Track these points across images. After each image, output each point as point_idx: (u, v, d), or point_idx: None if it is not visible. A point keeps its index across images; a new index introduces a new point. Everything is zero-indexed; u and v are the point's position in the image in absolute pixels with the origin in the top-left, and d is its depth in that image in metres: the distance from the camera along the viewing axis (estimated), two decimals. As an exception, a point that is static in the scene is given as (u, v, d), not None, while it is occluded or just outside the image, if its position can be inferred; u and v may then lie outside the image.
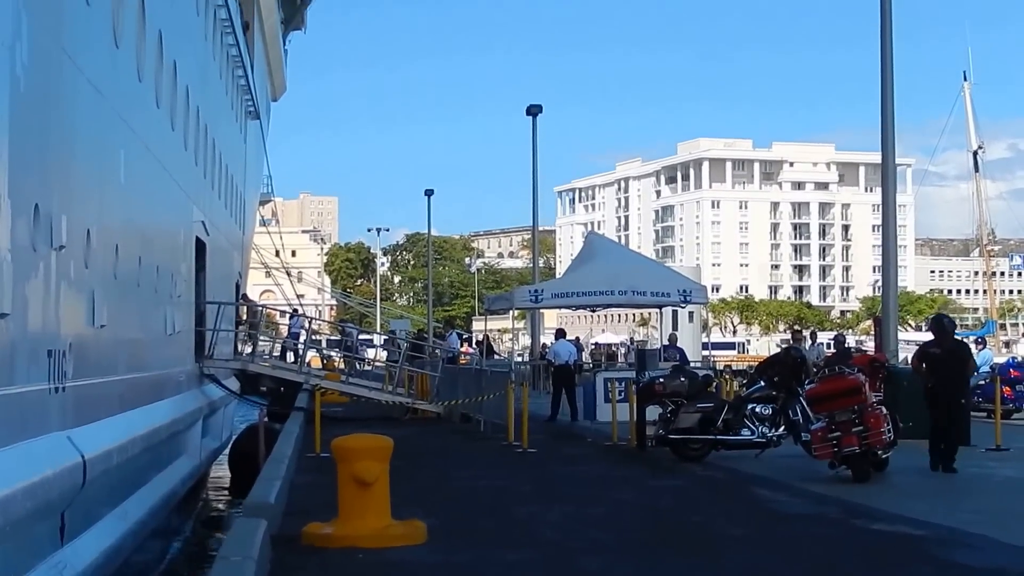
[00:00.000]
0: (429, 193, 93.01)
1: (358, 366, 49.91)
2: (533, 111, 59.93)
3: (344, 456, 12.67)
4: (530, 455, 26.02)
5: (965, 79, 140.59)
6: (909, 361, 42.55)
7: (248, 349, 42.57)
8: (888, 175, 32.51)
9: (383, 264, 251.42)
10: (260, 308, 50.93)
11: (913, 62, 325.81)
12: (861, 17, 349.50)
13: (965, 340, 27.00)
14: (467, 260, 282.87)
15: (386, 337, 68.61)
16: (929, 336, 23.24)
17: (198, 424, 34.95)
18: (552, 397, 37.68)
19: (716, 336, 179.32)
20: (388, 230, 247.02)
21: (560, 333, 41.72)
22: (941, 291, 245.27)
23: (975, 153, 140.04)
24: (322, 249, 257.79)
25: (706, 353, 55.17)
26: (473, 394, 33.62)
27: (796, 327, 42.37)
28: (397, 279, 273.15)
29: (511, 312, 40.10)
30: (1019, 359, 66.96)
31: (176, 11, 29.95)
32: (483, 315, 48.05)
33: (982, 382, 36.86)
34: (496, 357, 62.39)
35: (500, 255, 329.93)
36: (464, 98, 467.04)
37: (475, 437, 31.02)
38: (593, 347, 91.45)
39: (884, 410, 20.64)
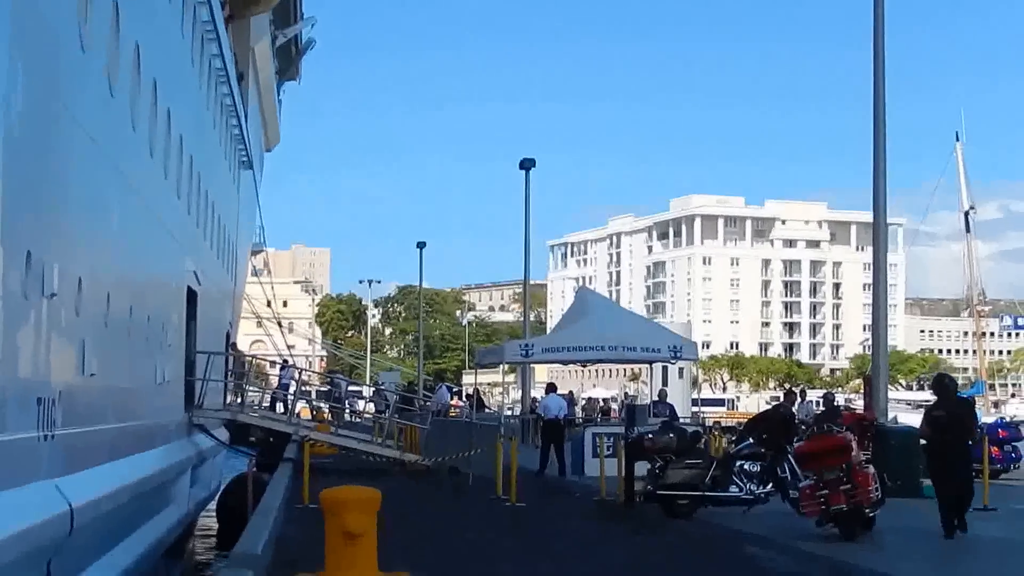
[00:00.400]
0: (421, 246, 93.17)
1: (348, 417, 49.77)
2: (526, 165, 59.99)
3: (332, 508, 12.62)
4: (518, 509, 25.96)
5: (957, 139, 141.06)
6: (898, 420, 42.48)
7: (238, 399, 42.44)
8: (879, 235, 32.62)
9: (374, 316, 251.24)
10: (249, 358, 50.86)
11: (906, 121, 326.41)
12: (856, 76, 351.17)
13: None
14: (458, 313, 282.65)
15: (374, 389, 68.39)
16: (927, 395, 23.35)
17: (187, 474, 34.86)
18: (541, 451, 37.59)
19: (706, 392, 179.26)
20: (380, 282, 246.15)
21: (551, 387, 41.70)
22: (931, 351, 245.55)
23: (967, 214, 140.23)
24: (313, 300, 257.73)
25: (695, 409, 55.19)
26: (462, 447, 33.59)
27: (791, 388, 42.37)
28: (388, 331, 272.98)
29: (501, 366, 40.07)
30: (1007, 419, 66.85)
31: (171, 61, 30.03)
32: (473, 368, 48.02)
33: (970, 443, 36.85)
34: (486, 411, 62.34)
35: (491, 308, 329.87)
36: (457, 150, 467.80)
37: (463, 490, 30.93)
38: (585, 401, 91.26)
39: (872, 469, 20.69)
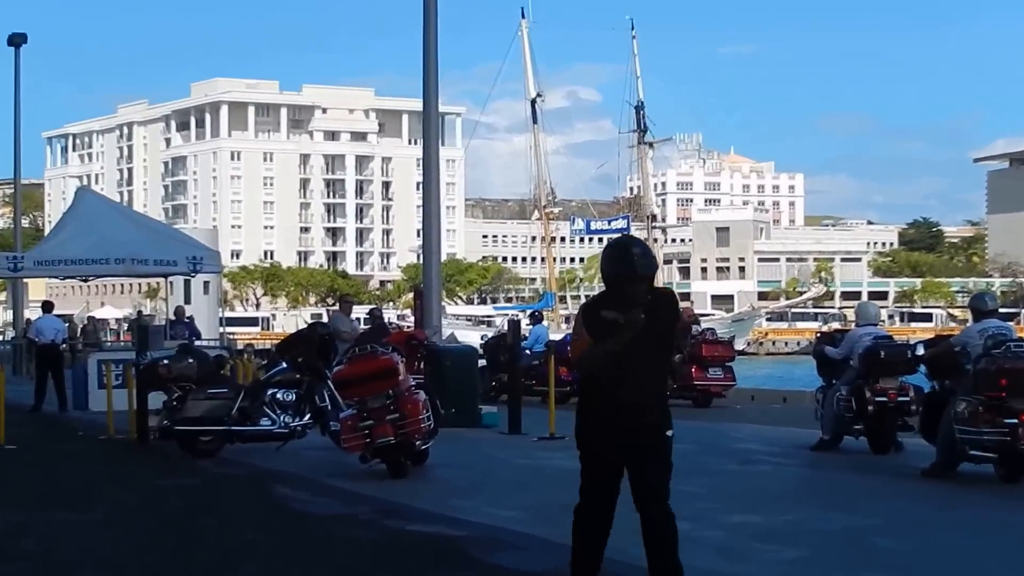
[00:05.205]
0: None
1: None
2: (16, 41, 58.67)
3: None
4: (8, 453, 25.52)
5: (523, 17, 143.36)
6: (457, 338, 43.25)
7: None
8: (430, 124, 33.06)
9: None
10: None
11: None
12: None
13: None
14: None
15: None
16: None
17: None
18: (36, 383, 36.94)
19: (238, 310, 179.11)
20: None
21: (47, 306, 40.88)
22: (495, 258, 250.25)
23: (533, 102, 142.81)
24: None
25: (223, 330, 55.04)
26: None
27: (347, 295, 42.66)
28: None
29: (-12, 282, 39.22)
30: None
31: None
32: (-47, 286, 46.95)
33: (536, 362, 37.90)
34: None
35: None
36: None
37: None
38: (86, 322, 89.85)
39: (423, 395, 20.93)
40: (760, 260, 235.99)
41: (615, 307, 11.39)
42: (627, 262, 11.45)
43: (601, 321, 11.49)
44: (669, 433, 11.46)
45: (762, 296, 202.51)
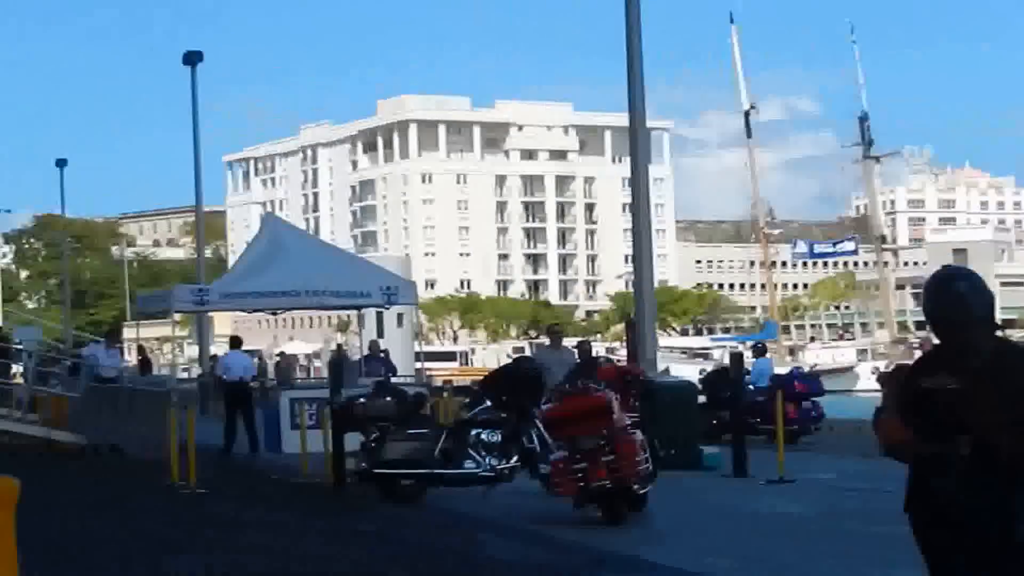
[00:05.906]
0: (62, 164, 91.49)
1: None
2: (192, 59, 59.59)
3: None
4: (199, 497, 25.82)
5: (732, 22, 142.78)
6: (671, 372, 43.17)
7: None
8: (638, 140, 32.96)
9: (4, 255, 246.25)
10: None
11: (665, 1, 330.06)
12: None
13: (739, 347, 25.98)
14: (114, 249, 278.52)
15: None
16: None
17: None
18: (226, 423, 37.43)
19: (434, 344, 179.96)
20: (10, 211, 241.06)
21: (235, 342, 41.44)
22: (711, 285, 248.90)
23: (747, 114, 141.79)
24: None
25: (420, 365, 55.54)
26: (125, 420, 33.32)
27: (555, 325, 42.69)
28: (24, 274, 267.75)
29: (172, 316, 39.83)
30: (806, 369, 67.26)
31: None
32: (136, 320, 47.68)
33: (760, 398, 37.59)
34: (155, 373, 61.80)
35: (157, 243, 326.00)
36: (104, 48, 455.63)
37: (129, 475, 30.63)
38: (278, 358, 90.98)
39: (640, 435, 20.91)
40: (1003, 284, 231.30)
41: (945, 366, 8.54)
42: (952, 302, 8.63)
43: (922, 394, 8.56)
44: None
45: (1007, 324, 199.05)
